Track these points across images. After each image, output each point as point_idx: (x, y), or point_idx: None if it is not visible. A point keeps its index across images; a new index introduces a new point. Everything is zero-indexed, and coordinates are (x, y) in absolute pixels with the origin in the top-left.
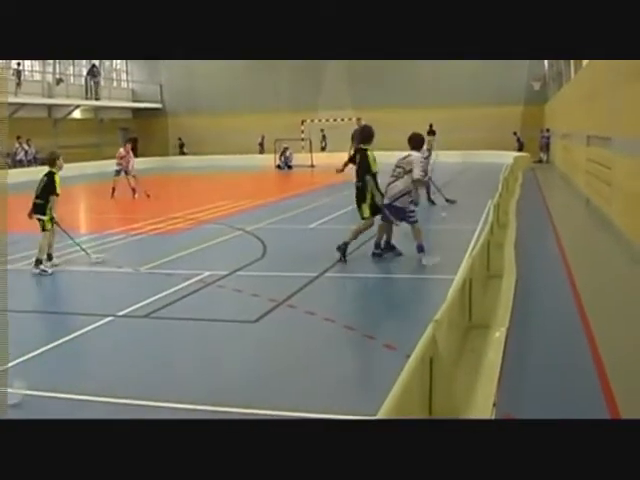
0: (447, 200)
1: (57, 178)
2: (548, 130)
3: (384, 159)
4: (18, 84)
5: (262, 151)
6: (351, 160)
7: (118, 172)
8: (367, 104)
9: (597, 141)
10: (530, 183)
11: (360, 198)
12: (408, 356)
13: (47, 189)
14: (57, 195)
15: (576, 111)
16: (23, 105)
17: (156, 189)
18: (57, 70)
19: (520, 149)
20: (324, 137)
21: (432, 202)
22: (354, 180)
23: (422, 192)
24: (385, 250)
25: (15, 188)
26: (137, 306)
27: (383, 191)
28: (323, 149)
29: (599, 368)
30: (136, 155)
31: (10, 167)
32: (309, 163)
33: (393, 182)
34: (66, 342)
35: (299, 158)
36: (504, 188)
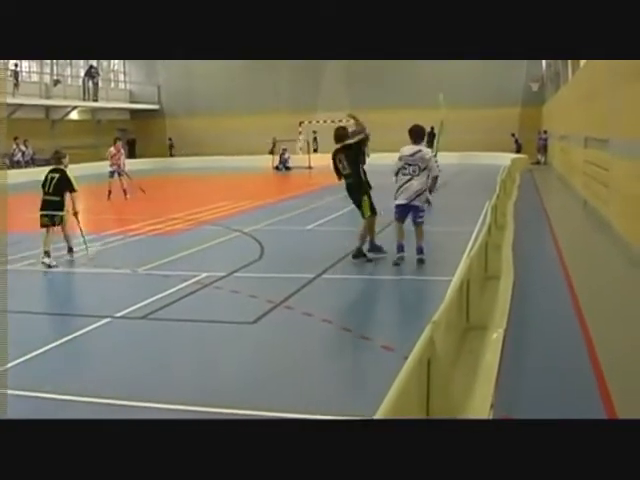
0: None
1: (70, 174)
2: (546, 132)
3: (382, 160)
4: (16, 85)
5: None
6: (336, 167)
7: (112, 173)
8: (365, 105)
9: (595, 143)
10: (528, 185)
11: (358, 197)
12: (406, 357)
13: (61, 186)
14: (76, 191)
15: (574, 112)
16: (20, 106)
17: (154, 190)
18: (54, 71)
19: (518, 151)
20: (315, 139)
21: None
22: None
23: None
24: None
25: (13, 189)
26: (135, 307)
27: (397, 191)
28: (315, 150)
29: (596, 369)
30: (134, 156)
31: (8, 168)
32: (306, 164)
33: (408, 180)
34: (64, 343)
35: (296, 159)
36: (502, 190)
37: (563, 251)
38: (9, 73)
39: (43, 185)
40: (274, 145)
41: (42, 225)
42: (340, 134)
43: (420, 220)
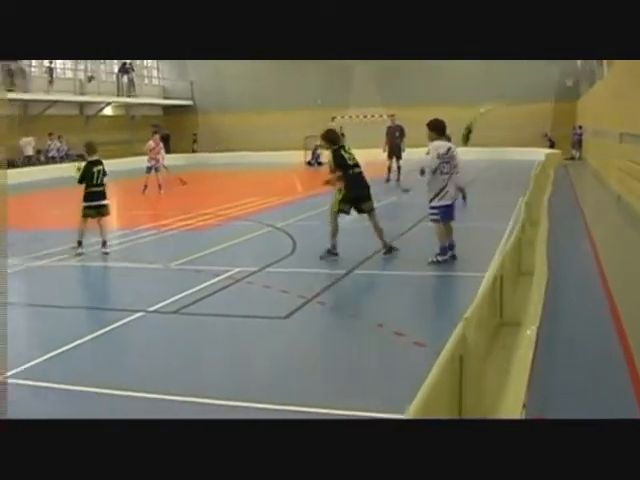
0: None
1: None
2: (580, 127)
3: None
4: (50, 82)
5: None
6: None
7: (149, 169)
8: (397, 102)
9: (630, 138)
10: (562, 180)
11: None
12: (438, 354)
13: (103, 176)
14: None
15: (609, 108)
16: (55, 102)
17: (186, 185)
18: (89, 68)
19: (551, 146)
20: (343, 135)
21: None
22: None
23: None
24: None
25: (46, 184)
26: (167, 302)
27: (441, 192)
28: None
29: (631, 367)
30: (168, 151)
31: (42, 163)
32: None
33: (448, 179)
34: (97, 337)
35: (326, 155)
36: (535, 185)
37: (597, 247)
38: (44, 70)
39: (90, 177)
40: (315, 152)
41: (89, 216)
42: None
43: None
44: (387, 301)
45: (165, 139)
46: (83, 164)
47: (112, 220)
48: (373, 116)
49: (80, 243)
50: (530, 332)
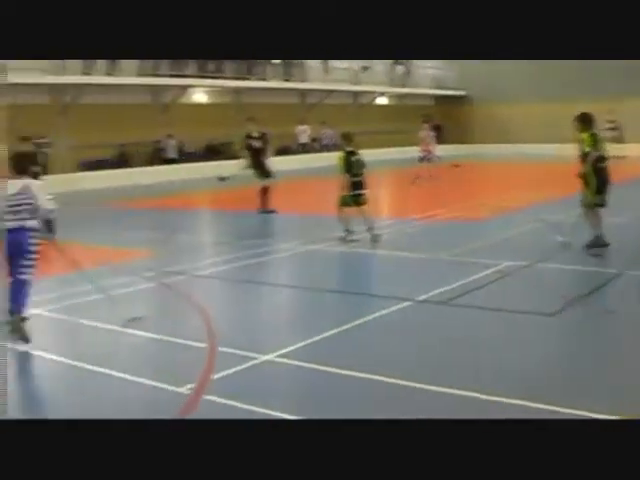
0: None
1: None
2: None
3: None
4: (326, 71)
5: None
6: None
7: (422, 159)
8: None
9: None
10: None
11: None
12: None
13: (362, 166)
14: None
15: None
16: (331, 92)
17: (457, 176)
18: None
19: None
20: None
21: None
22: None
23: None
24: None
25: (320, 171)
26: (436, 292)
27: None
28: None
29: None
30: (441, 142)
31: (317, 151)
32: (620, 154)
33: None
34: (363, 323)
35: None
36: None
37: None
38: (319, 60)
39: (349, 168)
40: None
41: (346, 205)
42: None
43: None
44: None
45: (437, 129)
46: (341, 154)
47: (382, 209)
48: None
49: (349, 231)
50: None
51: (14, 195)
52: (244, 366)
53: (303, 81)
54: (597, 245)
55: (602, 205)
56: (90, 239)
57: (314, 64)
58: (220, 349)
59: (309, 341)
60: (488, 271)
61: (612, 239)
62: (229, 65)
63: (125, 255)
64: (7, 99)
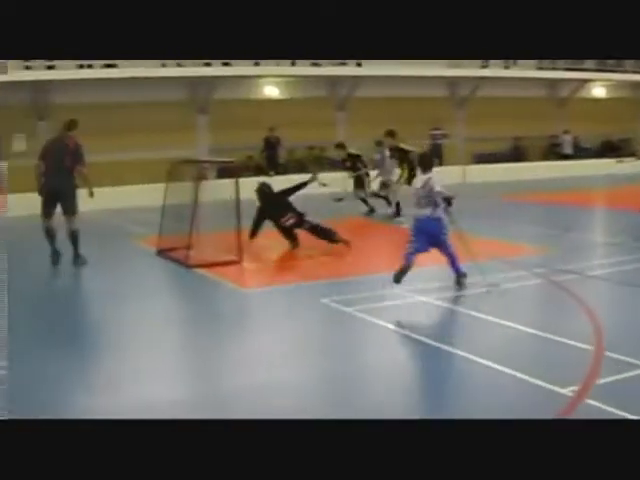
0: None
1: None
2: None
3: None
4: None
5: None
6: None
7: None
8: None
9: None
10: None
11: None
12: None
13: None
14: None
15: None
16: None
17: None
18: None
19: None
20: None
21: None
22: None
23: None
24: None
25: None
26: None
27: None
28: None
29: None
30: None
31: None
32: None
33: None
34: None
35: None
36: None
37: None
38: None
39: None
40: None
41: None
42: None
43: None
44: None
45: None
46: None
47: None
48: None
49: None
50: None
51: (418, 189)
52: (630, 374)
53: None
54: None
55: None
56: (481, 232)
57: None
58: (606, 353)
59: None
60: None
61: None
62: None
63: (516, 250)
64: (408, 91)
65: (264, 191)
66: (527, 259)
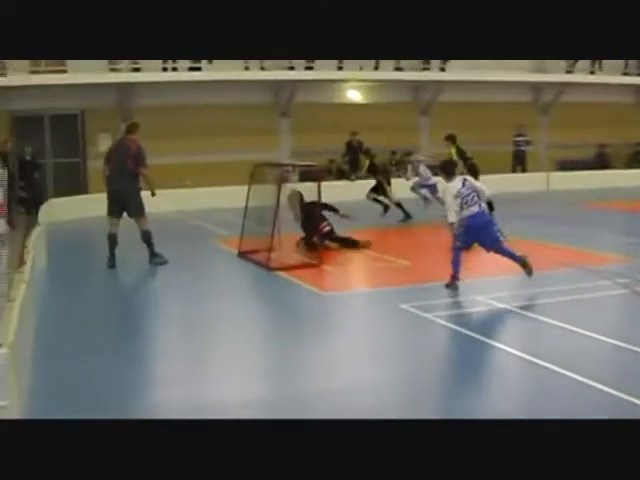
0: None
1: None
2: None
3: None
4: None
5: None
6: None
7: None
8: None
9: None
10: None
11: None
12: None
13: None
14: None
15: None
16: None
17: None
18: None
19: None
20: None
21: None
22: None
23: None
24: None
25: None
26: None
27: None
28: None
29: None
30: None
31: None
32: None
33: None
34: None
35: None
36: None
37: None
38: None
39: None
40: None
41: None
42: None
43: None
44: None
45: None
46: None
47: None
48: None
49: None
50: None
51: (460, 190)
52: None
53: None
54: None
55: None
56: (563, 239)
57: None
58: None
59: None
60: None
61: None
62: None
63: (598, 259)
64: (492, 96)
65: (301, 199)
66: (610, 268)
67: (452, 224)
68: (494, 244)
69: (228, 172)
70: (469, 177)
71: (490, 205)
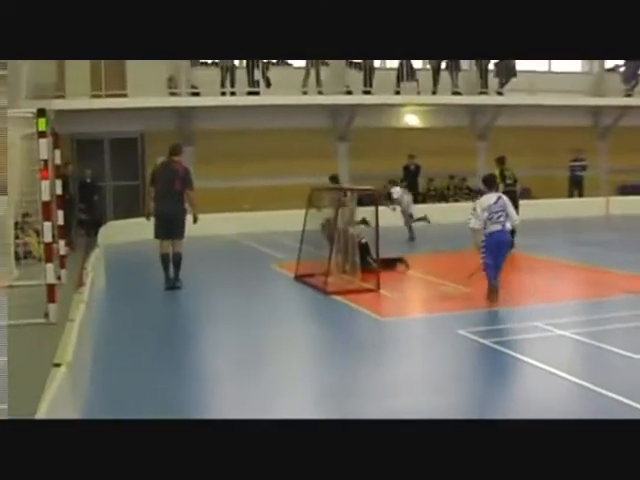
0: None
1: None
2: None
3: None
4: None
5: None
6: None
7: None
8: None
9: None
10: None
11: None
12: None
13: None
14: None
15: None
16: None
17: None
18: None
19: None
20: None
21: None
22: None
23: None
24: None
25: None
26: None
27: None
28: None
29: None
30: None
31: None
32: None
33: None
34: None
35: None
36: None
37: None
38: None
39: None
40: None
41: None
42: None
43: None
44: None
45: None
46: None
47: None
48: None
49: None
50: None
51: (492, 205)
52: None
53: None
54: None
55: None
56: (621, 266)
57: None
58: None
59: None
60: None
61: None
62: None
63: None
64: (550, 120)
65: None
66: None
67: (473, 230)
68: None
69: (286, 196)
70: (505, 197)
71: (513, 231)
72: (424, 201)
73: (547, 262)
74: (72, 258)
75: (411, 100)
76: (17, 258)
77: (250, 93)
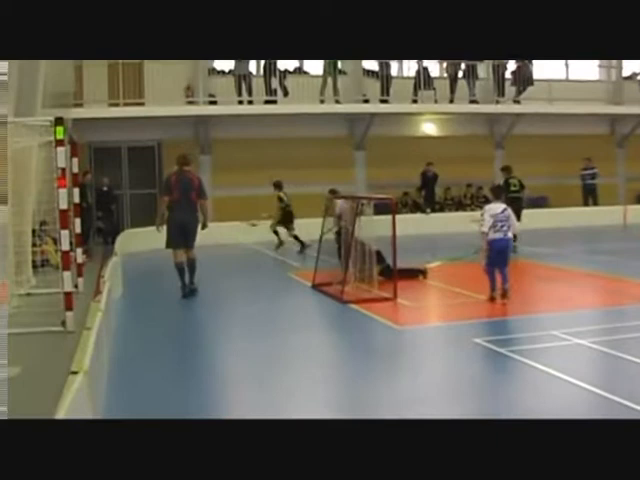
0: None
1: None
2: None
3: None
4: None
5: None
6: None
7: None
8: None
9: None
10: None
11: None
12: None
13: None
14: None
15: None
16: None
17: None
18: None
19: None
20: None
21: None
22: None
23: None
24: None
25: None
26: None
27: None
28: None
29: None
30: None
31: None
32: None
33: None
34: None
35: None
36: None
37: None
38: None
39: None
40: None
41: None
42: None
43: None
44: None
45: None
46: None
47: None
48: None
49: None
50: None
51: (498, 214)
52: None
53: None
54: None
55: None
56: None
57: None
58: None
59: None
60: None
61: None
62: None
63: None
64: (567, 129)
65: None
66: None
67: (483, 233)
68: (504, 264)
69: (303, 204)
70: (510, 210)
71: (514, 237)
72: (441, 210)
73: (563, 271)
74: (89, 266)
75: (428, 109)
76: (34, 266)
77: (267, 102)
